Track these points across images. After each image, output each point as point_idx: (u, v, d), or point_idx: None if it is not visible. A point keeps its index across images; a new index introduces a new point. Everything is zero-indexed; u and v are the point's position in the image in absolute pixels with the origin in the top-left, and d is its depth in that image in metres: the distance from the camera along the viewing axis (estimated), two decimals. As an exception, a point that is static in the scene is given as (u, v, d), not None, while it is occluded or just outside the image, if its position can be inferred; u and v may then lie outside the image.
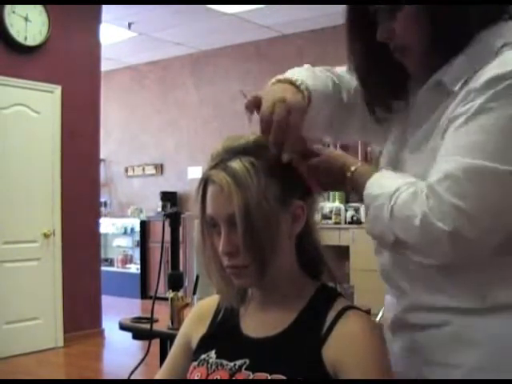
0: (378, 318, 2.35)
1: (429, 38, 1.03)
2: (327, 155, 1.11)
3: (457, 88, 1.00)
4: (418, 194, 0.96)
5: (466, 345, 1.02)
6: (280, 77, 1.13)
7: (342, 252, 5.98)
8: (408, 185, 0.99)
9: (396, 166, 1.12)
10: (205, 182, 1.06)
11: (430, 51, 1.04)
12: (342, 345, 1.01)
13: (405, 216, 0.96)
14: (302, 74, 1.15)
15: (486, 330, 1.01)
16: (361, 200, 1.09)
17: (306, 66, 1.22)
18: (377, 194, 1.01)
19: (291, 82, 1.11)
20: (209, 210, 1.06)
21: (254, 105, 1.10)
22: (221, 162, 1.05)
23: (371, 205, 1.02)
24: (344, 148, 6.66)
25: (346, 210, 6.46)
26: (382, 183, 1.03)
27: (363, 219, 3.96)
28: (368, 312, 1.94)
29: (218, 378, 1.06)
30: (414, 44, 1.05)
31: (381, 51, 1.09)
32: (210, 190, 1.05)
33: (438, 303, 1.06)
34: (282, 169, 1.05)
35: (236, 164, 1.03)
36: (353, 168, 1.08)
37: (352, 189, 1.10)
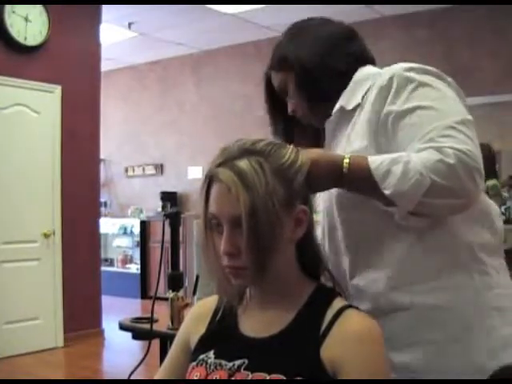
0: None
1: (309, 104, 1.31)
2: (318, 152, 1.14)
3: (353, 106, 1.23)
4: (431, 150, 1.05)
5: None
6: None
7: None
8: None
9: None
10: (210, 179, 1.04)
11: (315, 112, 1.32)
12: (341, 345, 1.01)
13: (436, 160, 1.04)
14: None
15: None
16: (355, 190, 1.15)
17: None
18: (396, 156, 1.07)
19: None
20: (212, 208, 1.03)
21: None
22: (228, 160, 1.02)
23: (398, 163, 1.06)
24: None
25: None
26: (387, 155, 1.10)
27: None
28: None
29: (217, 378, 1.05)
30: (303, 109, 1.32)
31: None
32: (216, 188, 1.03)
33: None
34: (288, 172, 1.05)
35: (243, 163, 1.01)
36: (347, 156, 1.11)
37: (346, 183, 1.13)
